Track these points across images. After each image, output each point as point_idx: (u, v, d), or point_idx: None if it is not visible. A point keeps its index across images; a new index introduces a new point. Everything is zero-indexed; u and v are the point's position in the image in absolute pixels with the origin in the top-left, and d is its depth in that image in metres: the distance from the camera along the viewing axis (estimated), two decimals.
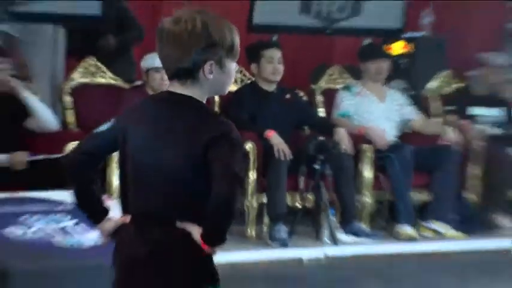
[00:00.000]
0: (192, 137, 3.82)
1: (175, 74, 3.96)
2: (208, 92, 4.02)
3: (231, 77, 4.07)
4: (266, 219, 9.78)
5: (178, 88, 3.96)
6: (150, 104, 4.09)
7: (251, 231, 9.78)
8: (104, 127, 4.10)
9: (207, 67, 3.92)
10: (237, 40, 4.04)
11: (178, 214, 3.83)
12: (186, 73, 3.94)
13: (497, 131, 11.00)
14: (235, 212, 3.87)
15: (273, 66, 10.06)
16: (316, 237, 9.75)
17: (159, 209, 3.88)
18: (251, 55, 10.16)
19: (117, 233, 4.00)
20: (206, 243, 3.79)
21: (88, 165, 4.05)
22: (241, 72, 10.44)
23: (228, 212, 3.81)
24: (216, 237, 3.83)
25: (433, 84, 11.40)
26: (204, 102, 4.00)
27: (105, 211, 4.06)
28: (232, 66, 4.03)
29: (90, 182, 4.05)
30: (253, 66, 10.17)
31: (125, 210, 4.01)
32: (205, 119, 3.91)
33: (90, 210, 4.10)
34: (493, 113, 11.09)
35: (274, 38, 10.44)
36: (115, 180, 8.50)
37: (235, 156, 3.83)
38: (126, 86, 10.13)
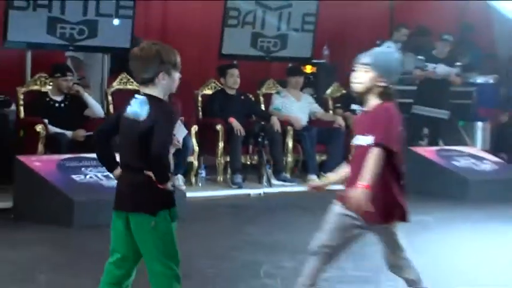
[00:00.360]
0: (149, 118, 3.95)
1: (142, 82, 4.05)
2: (163, 91, 4.05)
3: (176, 82, 4.09)
4: (229, 171, 9.82)
5: (145, 90, 4.03)
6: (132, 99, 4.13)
7: (220, 178, 9.81)
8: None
9: (160, 76, 4.00)
10: (178, 59, 4.09)
11: (144, 165, 3.93)
12: (148, 80, 4.02)
13: None
14: (166, 162, 4.00)
15: (234, 79, 10.07)
16: (258, 182, 9.83)
17: (133, 162, 3.99)
18: (220, 72, 10.20)
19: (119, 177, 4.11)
20: (159, 183, 3.92)
21: (102, 138, 4.14)
22: (214, 82, 10.41)
23: (159, 163, 3.95)
24: (160, 178, 3.92)
25: (328, 91, 11.39)
26: (162, 97, 4.05)
27: (116, 163, 4.12)
28: (176, 75, 4.08)
29: (105, 147, 4.12)
30: (222, 79, 10.18)
31: None
32: (156, 107, 4.00)
33: (106, 163, 4.17)
34: (362, 109, 11.09)
35: (235, 62, 10.41)
36: None
37: (164, 129, 3.97)
38: None
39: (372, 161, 4.18)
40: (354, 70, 4.44)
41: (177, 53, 4.11)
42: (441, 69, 11.07)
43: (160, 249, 3.96)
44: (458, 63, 11.29)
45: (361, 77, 4.35)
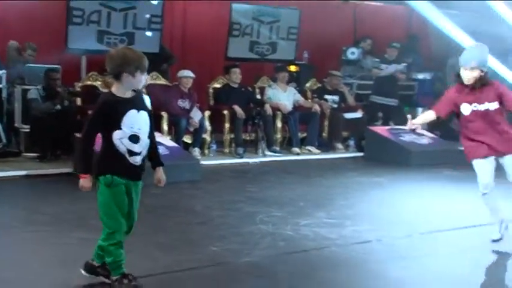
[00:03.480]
0: None
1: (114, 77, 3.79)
2: (126, 88, 3.76)
3: (139, 82, 3.78)
4: (233, 145, 9.82)
5: (114, 85, 3.79)
6: None
7: (227, 150, 9.81)
8: None
9: (123, 75, 3.73)
10: (144, 62, 3.77)
11: None
12: (114, 77, 3.77)
13: (334, 105, 10.99)
14: (83, 141, 3.76)
15: (236, 76, 10.02)
16: (255, 153, 9.79)
17: None
18: (226, 71, 10.18)
19: None
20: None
21: None
22: (221, 78, 10.25)
23: (79, 141, 3.80)
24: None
25: (308, 84, 11.27)
26: (121, 95, 3.75)
27: None
28: (141, 76, 3.76)
29: None
30: (227, 76, 10.15)
31: None
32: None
33: None
34: (333, 98, 11.07)
35: (237, 63, 10.38)
36: None
37: (92, 113, 3.77)
38: (170, 84, 10.05)
39: None
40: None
41: (144, 57, 3.82)
42: (391, 68, 11.10)
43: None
44: (404, 64, 11.31)
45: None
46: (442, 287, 4.31)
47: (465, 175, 8.50)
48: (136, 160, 3.85)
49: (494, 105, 5.12)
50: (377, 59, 11.41)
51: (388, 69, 11.09)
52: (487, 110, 5.12)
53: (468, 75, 5.10)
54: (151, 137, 3.92)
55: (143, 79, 3.82)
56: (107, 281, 4.02)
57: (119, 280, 3.92)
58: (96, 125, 3.76)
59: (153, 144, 3.96)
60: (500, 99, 5.12)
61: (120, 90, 3.80)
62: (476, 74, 5.09)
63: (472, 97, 5.15)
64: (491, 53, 9.74)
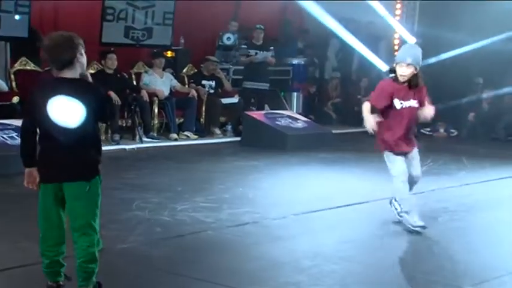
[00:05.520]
0: None
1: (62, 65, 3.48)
2: (80, 70, 3.54)
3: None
4: (109, 131, 9.60)
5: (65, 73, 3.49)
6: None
7: (102, 137, 9.50)
8: None
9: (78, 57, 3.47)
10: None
11: None
12: (68, 62, 3.46)
13: (211, 91, 11.02)
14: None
15: (112, 62, 9.78)
16: (132, 139, 9.68)
17: None
18: (102, 56, 9.92)
19: None
20: None
21: None
22: (95, 64, 10.03)
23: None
24: None
25: (184, 70, 11.30)
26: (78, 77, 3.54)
27: None
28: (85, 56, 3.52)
29: None
30: (103, 62, 9.89)
31: None
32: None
33: None
34: (210, 83, 11.10)
35: (112, 48, 10.15)
36: None
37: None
38: (41, 70, 9.65)
39: None
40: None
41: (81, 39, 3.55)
42: (260, 55, 11.22)
43: None
44: (271, 48, 11.43)
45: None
46: (314, 263, 4.45)
47: (338, 157, 8.93)
48: None
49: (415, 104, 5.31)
50: (244, 46, 11.51)
51: (258, 57, 11.23)
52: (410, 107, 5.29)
53: (404, 72, 5.21)
54: None
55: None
56: None
57: None
58: None
59: None
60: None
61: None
62: (411, 70, 5.20)
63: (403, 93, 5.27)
64: (359, 38, 10.07)
